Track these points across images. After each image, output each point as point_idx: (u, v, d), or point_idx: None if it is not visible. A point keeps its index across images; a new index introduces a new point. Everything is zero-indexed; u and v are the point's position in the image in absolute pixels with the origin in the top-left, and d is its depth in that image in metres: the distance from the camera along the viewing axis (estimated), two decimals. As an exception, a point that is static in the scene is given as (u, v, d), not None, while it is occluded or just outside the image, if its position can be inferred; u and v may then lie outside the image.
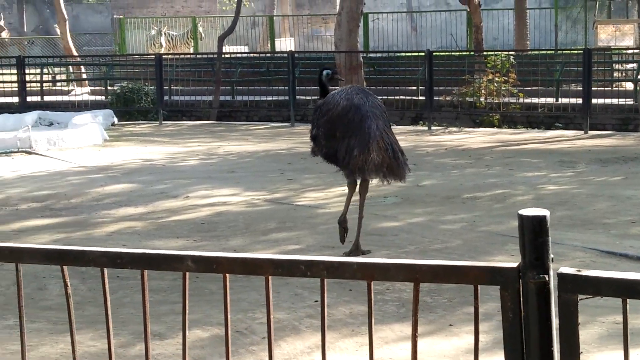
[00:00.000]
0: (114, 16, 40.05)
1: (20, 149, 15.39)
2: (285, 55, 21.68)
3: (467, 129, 18.25)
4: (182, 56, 26.28)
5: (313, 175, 12.37)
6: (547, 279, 2.36)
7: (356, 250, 7.88)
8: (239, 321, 6.14)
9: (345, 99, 7.77)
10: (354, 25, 19.57)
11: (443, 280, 2.47)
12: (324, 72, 8.48)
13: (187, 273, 2.62)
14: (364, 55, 22.28)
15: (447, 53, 25.40)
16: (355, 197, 8.17)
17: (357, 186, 8.03)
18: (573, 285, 2.36)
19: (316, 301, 6.58)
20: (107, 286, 2.69)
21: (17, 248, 2.68)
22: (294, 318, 6.24)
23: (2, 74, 25.01)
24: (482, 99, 19.44)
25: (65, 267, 2.72)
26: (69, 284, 2.76)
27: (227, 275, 2.59)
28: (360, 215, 8.04)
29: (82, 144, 16.27)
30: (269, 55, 27.30)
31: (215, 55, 23.78)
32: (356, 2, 19.30)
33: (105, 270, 2.67)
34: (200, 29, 33.44)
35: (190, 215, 9.94)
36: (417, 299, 2.47)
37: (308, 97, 19.97)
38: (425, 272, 2.44)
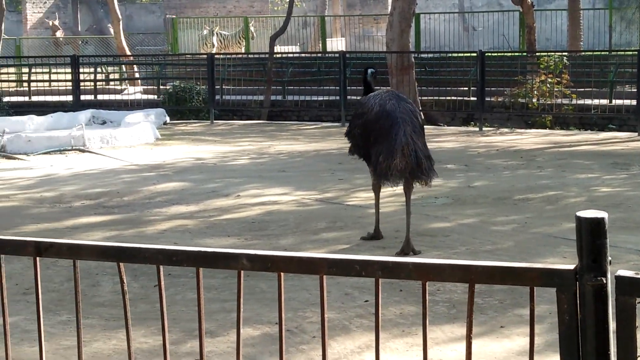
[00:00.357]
0: (167, 16, 40.34)
1: (74, 147, 15.57)
2: (337, 55, 21.70)
3: (518, 130, 18.12)
4: (233, 56, 26.38)
5: (364, 175, 12.32)
6: (604, 281, 2.34)
7: (407, 246, 7.97)
8: (290, 320, 6.15)
9: (378, 104, 8.16)
10: (405, 25, 19.53)
11: (498, 281, 2.45)
12: (369, 71, 8.99)
13: (242, 271, 2.63)
14: (416, 55, 22.22)
15: (499, 54, 25.24)
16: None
17: (380, 189, 8.51)
18: (631, 288, 2.33)
19: (366, 301, 6.57)
20: (162, 283, 2.71)
21: (75, 245, 2.70)
22: (344, 318, 6.24)
23: (57, 73, 25.34)
24: (534, 100, 19.28)
25: (121, 264, 2.74)
26: (125, 280, 2.78)
27: (282, 274, 2.59)
28: (408, 211, 8.22)
29: (135, 142, 16.41)
30: (320, 55, 27.32)
31: (267, 55, 23.84)
32: (408, 2, 19.26)
33: (161, 267, 2.69)
34: (252, 28, 33.56)
35: (241, 214, 9.98)
36: (472, 300, 2.46)
37: (359, 97, 19.93)
38: (481, 273, 2.42)
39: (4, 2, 30.70)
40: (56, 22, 40.05)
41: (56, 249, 2.74)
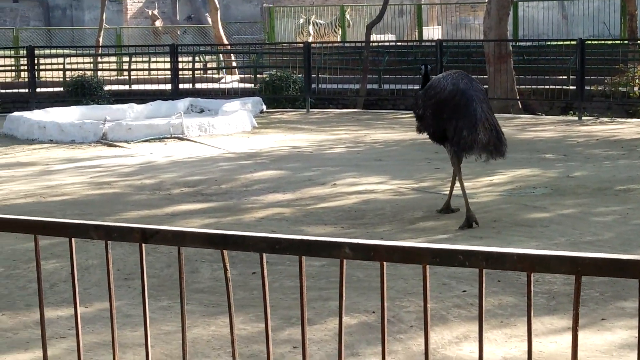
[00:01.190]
0: (264, 5, 40.61)
1: (172, 135, 15.79)
2: (433, 44, 21.55)
3: (619, 120, 17.74)
4: (330, 44, 26.42)
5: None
6: None
7: (470, 217, 8.52)
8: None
9: (451, 83, 8.60)
10: (503, 13, 19.30)
11: (606, 273, 2.40)
12: (428, 67, 9.69)
13: (345, 260, 2.63)
14: (514, 44, 21.92)
15: (599, 42, 24.75)
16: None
17: (460, 165, 9.00)
18: None
19: (464, 291, 6.52)
20: (265, 271, 2.72)
21: (180, 232, 2.74)
22: (442, 307, 6.20)
23: (156, 62, 25.73)
24: (635, 88, 18.85)
25: (225, 252, 2.77)
26: (228, 268, 2.81)
27: (384, 263, 2.58)
28: (463, 190, 8.85)
29: (232, 130, 16.57)
30: (416, 43, 27.16)
31: (363, 44, 23.81)
32: (506, -10, 19.01)
33: (264, 255, 2.70)
34: (348, 17, 33.56)
35: (338, 202, 10.00)
36: (579, 292, 2.41)
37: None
38: (588, 265, 2.38)
39: (105, -8, 31.34)
40: (155, 12, 40.63)
41: (162, 235, 2.78)
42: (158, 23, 38.96)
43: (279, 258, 7.09)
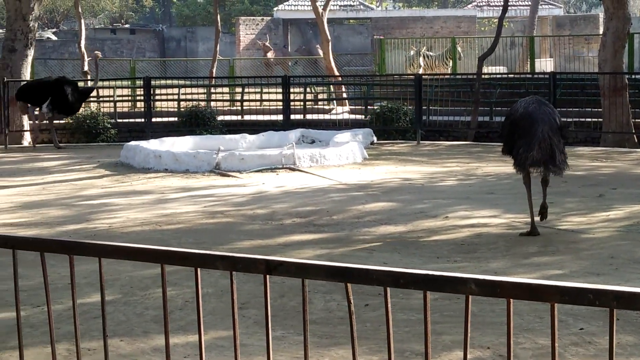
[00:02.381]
0: (374, 37, 40.79)
1: (284, 165, 15.92)
2: (546, 76, 21.29)
3: None
4: (441, 76, 26.35)
5: (575, 199, 12.07)
6: None
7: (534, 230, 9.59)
8: (501, 345, 6.05)
9: (523, 107, 9.65)
10: (619, 45, 18.97)
11: None
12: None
13: (470, 296, 2.61)
14: (630, 76, 21.50)
15: None
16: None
17: (530, 182, 9.89)
18: None
19: (581, 329, 6.39)
20: (389, 305, 2.72)
21: (303, 264, 2.76)
22: (559, 345, 6.07)
23: (268, 93, 26.06)
24: None
25: (349, 285, 2.77)
26: (352, 301, 2.81)
27: (511, 300, 2.55)
28: (545, 194, 9.83)
29: (343, 162, 16.63)
30: (528, 75, 26.89)
31: (474, 76, 23.68)
32: (623, 22, 18.71)
33: (389, 289, 2.70)
34: (459, 49, 33.44)
35: (450, 235, 9.93)
36: None
37: (569, 119, 19.49)
38: None
39: (219, 24, 31.96)
40: (267, 44, 41.15)
41: (285, 267, 2.80)
42: (270, 54, 39.46)
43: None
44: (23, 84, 21.50)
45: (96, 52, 21.50)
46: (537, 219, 9.84)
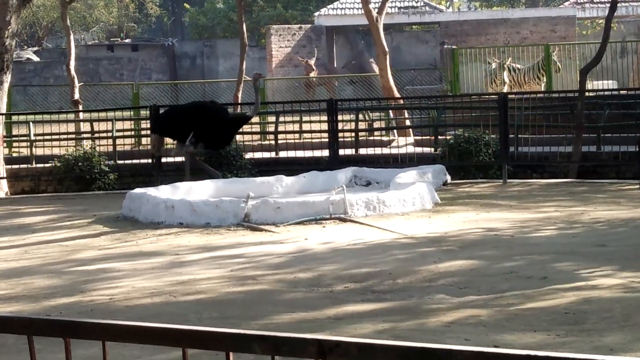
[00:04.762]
0: (445, 46, 40.88)
1: (332, 215, 15.94)
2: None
3: None
4: (532, 95, 26.33)
5: None
6: None
7: None
8: None
9: None
10: None
11: None
12: None
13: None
14: None
15: None
16: None
17: None
18: None
19: None
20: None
21: (367, 345, 2.77)
22: None
23: (310, 122, 26.19)
24: None
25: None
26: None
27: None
28: None
29: (408, 208, 16.62)
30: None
31: (576, 94, 23.63)
32: None
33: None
34: (554, 59, 33.39)
35: (550, 301, 9.88)
36: None
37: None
38: None
39: (245, 36, 32.22)
40: (312, 62, 41.28)
41: (344, 348, 2.82)
42: (312, 74, 39.69)
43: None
44: (163, 112, 21.72)
45: (257, 72, 21.59)
46: None
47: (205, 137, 20.14)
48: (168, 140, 22.83)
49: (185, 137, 20.17)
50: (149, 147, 23.38)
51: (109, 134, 26.73)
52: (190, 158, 20.64)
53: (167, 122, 20.81)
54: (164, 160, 23.07)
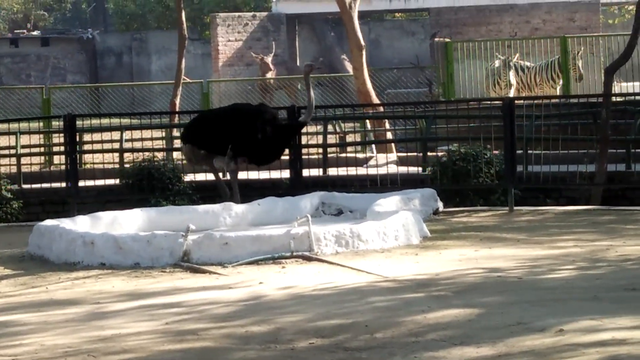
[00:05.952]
0: (436, 39, 40.94)
1: (294, 253, 15.91)
2: None
3: None
4: (545, 101, 26.42)
5: None
6: None
7: None
8: None
9: None
10: None
11: None
12: None
13: None
14: None
15: None
16: None
17: None
18: None
19: None
20: None
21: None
22: None
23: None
24: None
25: None
26: None
27: None
28: None
29: (390, 244, 16.61)
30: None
31: (600, 99, 23.70)
32: None
33: None
34: (576, 60, 33.43)
35: (568, 360, 9.91)
36: None
37: None
38: None
39: (184, 26, 32.19)
40: (269, 60, 41.26)
41: None
42: (270, 75, 39.67)
43: None
44: (195, 118, 21.67)
45: (309, 62, 21.33)
46: None
47: (246, 149, 19.97)
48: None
49: (223, 148, 20.04)
50: (64, 167, 23.28)
51: (12, 151, 26.59)
52: (235, 176, 20.61)
53: (199, 130, 20.60)
54: (81, 183, 22.92)
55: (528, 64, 34.77)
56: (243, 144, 19.79)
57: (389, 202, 18.66)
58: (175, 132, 27.68)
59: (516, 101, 23.10)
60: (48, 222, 17.87)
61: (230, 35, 46.20)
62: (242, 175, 24.39)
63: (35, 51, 57.71)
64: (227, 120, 20.20)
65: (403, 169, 24.91)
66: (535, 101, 25.90)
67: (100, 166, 25.88)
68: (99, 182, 23.99)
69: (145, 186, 22.57)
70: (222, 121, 20.27)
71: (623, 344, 10.35)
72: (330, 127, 27.14)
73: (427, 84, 40.17)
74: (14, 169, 25.84)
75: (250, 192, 21.62)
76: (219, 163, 20.31)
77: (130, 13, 62.89)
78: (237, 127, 19.93)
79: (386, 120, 28.68)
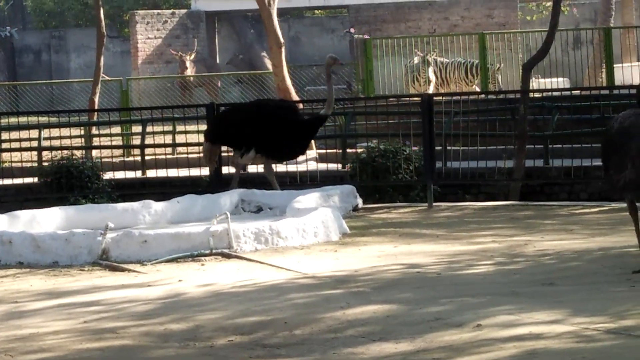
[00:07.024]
0: (355, 36, 41.03)
1: (213, 250, 15.89)
2: (633, 92, 21.48)
3: None
4: (463, 97, 26.53)
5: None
6: None
7: None
8: None
9: (619, 122, 12.07)
10: None
11: None
12: None
13: None
14: None
15: None
16: None
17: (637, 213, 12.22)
18: None
19: None
20: None
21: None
22: None
23: (186, 133, 26.04)
24: None
25: None
26: None
27: None
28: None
29: (309, 240, 16.63)
30: (605, 92, 27.12)
31: (517, 95, 23.84)
32: None
33: None
34: (495, 70, 33.63)
35: (485, 355, 9.94)
36: None
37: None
38: None
39: (103, 24, 32.05)
40: (187, 57, 41.10)
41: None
42: (189, 72, 39.56)
43: None
44: (219, 114, 21.52)
45: (331, 55, 20.97)
46: None
47: (266, 145, 19.89)
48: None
49: (250, 145, 20.21)
50: None
51: None
52: (238, 171, 20.91)
53: (222, 127, 20.47)
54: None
55: (447, 60, 34.90)
56: (262, 140, 19.85)
57: (308, 199, 18.67)
58: (94, 130, 27.51)
59: (435, 97, 23.16)
60: (-37, 222, 17.74)
61: (149, 33, 46.05)
62: (161, 172, 24.33)
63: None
64: (252, 117, 20.39)
65: (322, 166, 24.95)
66: (454, 97, 25.95)
67: (19, 165, 25.65)
68: (18, 181, 23.83)
69: (64, 184, 22.44)
70: (247, 118, 20.46)
71: (540, 339, 10.40)
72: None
73: (345, 81, 40.17)
74: None
75: (169, 190, 21.54)
76: (243, 160, 20.39)
77: (49, 10, 62.46)
78: (257, 124, 20.06)
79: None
